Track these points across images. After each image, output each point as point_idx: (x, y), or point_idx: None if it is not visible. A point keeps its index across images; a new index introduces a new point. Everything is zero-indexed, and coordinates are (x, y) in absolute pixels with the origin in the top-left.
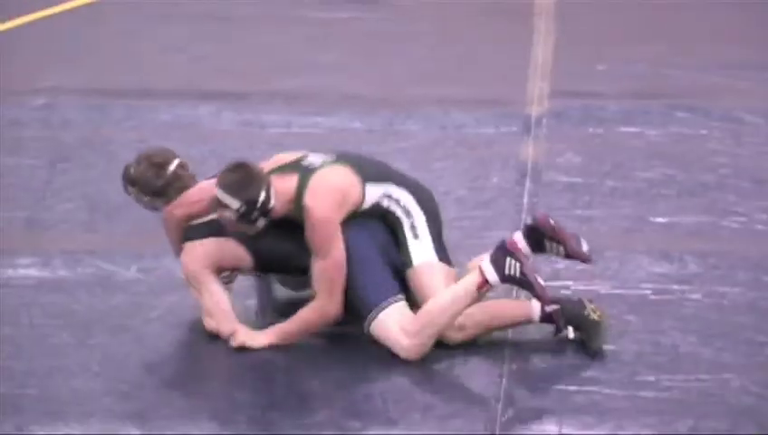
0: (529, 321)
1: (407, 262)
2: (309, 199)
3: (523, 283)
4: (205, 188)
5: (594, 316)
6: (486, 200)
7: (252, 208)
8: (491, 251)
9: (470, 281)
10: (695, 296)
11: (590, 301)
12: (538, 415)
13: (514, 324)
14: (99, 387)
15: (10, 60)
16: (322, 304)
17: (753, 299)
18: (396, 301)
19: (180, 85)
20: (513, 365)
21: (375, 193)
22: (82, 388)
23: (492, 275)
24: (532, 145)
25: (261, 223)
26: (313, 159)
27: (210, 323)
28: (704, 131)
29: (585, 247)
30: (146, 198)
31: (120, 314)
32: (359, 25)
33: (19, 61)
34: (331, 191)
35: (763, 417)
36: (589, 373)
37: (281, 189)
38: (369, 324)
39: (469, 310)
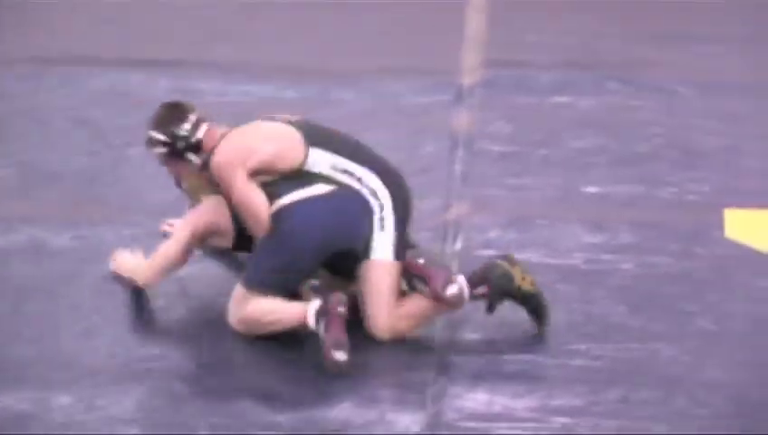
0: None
1: (366, 252)
2: (218, 146)
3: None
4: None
5: (527, 287)
6: (420, 169)
7: (176, 140)
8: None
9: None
10: (626, 266)
11: (512, 262)
12: (469, 384)
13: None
14: (32, 354)
15: None
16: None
17: (684, 269)
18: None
19: (114, 52)
20: (445, 334)
21: (325, 160)
22: (15, 355)
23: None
24: (464, 114)
25: (193, 159)
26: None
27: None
28: (635, 102)
29: (451, 290)
30: None
31: (53, 281)
32: None
33: None
34: (241, 141)
35: (693, 386)
36: (520, 342)
37: (212, 136)
38: (244, 286)
39: (399, 311)
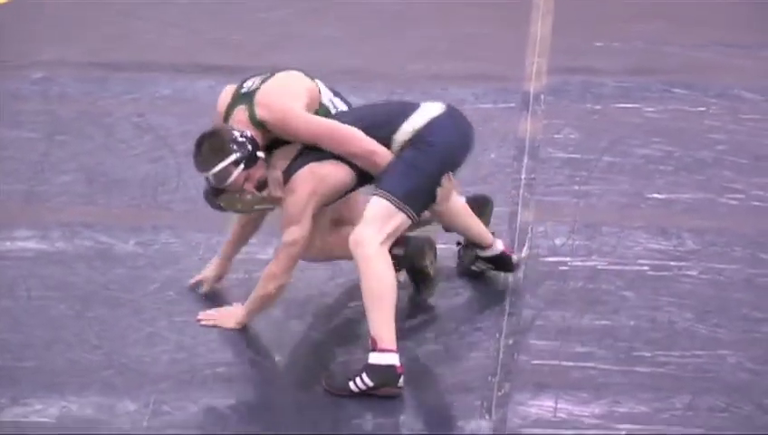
0: None
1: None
2: (261, 113)
3: None
4: None
5: (431, 270)
6: (484, 176)
7: (243, 147)
8: None
9: None
10: (691, 273)
11: (432, 247)
12: (534, 390)
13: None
14: (97, 359)
15: (9, 33)
16: None
17: (749, 276)
18: None
19: (178, 59)
20: (510, 341)
21: (325, 91)
22: (80, 360)
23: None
24: (529, 121)
25: (262, 154)
26: (250, 81)
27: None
28: (701, 108)
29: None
30: None
31: (118, 286)
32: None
33: (18, 34)
34: (281, 91)
35: (759, 393)
36: (585, 349)
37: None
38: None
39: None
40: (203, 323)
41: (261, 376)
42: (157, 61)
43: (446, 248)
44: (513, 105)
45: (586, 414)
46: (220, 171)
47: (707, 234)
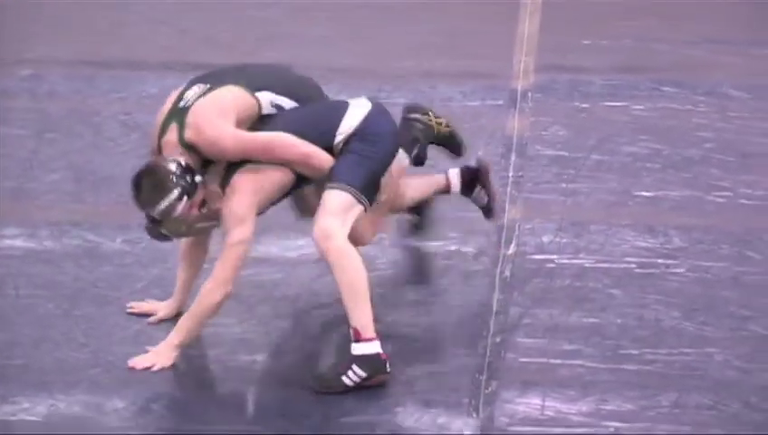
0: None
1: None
2: (190, 135)
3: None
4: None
5: (444, 129)
6: None
7: (182, 180)
8: None
9: None
10: (679, 270)
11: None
12: (522, 388)
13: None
14: (84, 358)
15: None
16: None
17: (736, 273)
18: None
19: (167, 57)
20: (497, 339)
21: (267, 99)
22: (68, 359)
23: None
24: (517, 118)
25: (200, 178)
26: (190, 93)
27: None
28: (689, 106)
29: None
30: None
31: (105, 285)
32: None
33: (6, 31)
34: (210, 112)
35: (746, 391)
36: (572, 347)
37: (171, 148)
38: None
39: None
40: (136, 368)
41: (249, 374)
42: (146, 59)
43: (439, 246)
44: (500, 103)
45: (573, 412)
46: (165, 208)
47: (694, 232)
